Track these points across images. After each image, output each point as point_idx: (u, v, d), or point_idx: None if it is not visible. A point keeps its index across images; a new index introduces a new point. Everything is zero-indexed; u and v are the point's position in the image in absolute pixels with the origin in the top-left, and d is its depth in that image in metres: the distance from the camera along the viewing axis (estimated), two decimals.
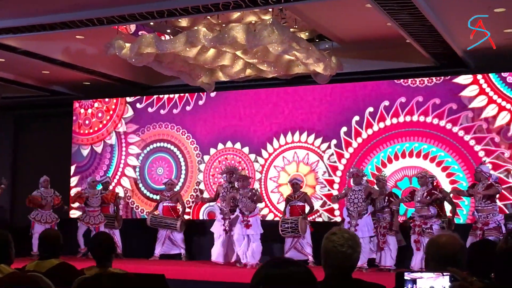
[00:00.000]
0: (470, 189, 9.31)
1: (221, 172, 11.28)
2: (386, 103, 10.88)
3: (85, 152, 12.99)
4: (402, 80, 10.82)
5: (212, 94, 11.94)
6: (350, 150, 11.05)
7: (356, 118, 11.04)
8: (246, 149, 11.75)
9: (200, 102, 12.17)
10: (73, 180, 12.90)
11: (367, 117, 10.98)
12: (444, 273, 2.51)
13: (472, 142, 10.31)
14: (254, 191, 10.41)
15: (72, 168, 13.02)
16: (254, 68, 9.88)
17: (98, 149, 12.92)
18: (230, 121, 11.94)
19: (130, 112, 12.73)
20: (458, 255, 3.05)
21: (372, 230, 9.77)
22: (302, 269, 2.02)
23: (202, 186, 12.00)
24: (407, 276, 2.48)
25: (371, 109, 10.97)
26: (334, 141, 11.15)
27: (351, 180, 10.05)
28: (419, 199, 9.45)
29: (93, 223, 11.42)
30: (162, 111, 12.46)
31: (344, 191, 10.24)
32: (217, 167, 11.89)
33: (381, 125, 10.91)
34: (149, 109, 12.55)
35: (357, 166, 10.64)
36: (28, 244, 10.99)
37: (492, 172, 9.58)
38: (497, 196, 9.14)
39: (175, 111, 12.35)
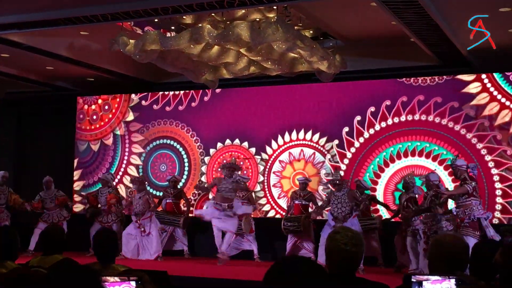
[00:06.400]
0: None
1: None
2: (388, 102, 10.86)
3: (88, 148, 13.00)
4: (404, 79, 10.81)
5: (212, 92, 11.92)
6: (352, 150, 11.05)
7: (358, 117, 11.02)
8: (248, 145, 11.76)
9: (204, 99, 12.15)
10: (76, 174, 12.91)
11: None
12: (450, 276, 2.51)
13: (474, 140, 10.30)
14: None
15: (75, 162, 13.04)
16: (258, 65, 9.86)
17: (101, 145, 12.92)
18: (233, 118, 11.92)
19: (133, 109, 12.72)
20: (462, 255, 3.07)
21: (360, 231, 9.45)
22: (313, 263, 2.05)
23: (204, 179, 12.00)
24: (414, 278, 2.49)
25: (372, 108, 10.94)
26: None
27: (335, 188, 9.93)
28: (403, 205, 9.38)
29: (104, 222, 11.08)
30: (156, 107, 12.44)
31: (326, 198, 10.19)
32: (221, 164, 11.91)
33: (383, 124, 10.91)
34: (152, 106, 12.54)
35: (358, 167, 10.63)
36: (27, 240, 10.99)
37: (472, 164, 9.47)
38: (471, 191, 8.30)
39: (170, 107, 12.33)
